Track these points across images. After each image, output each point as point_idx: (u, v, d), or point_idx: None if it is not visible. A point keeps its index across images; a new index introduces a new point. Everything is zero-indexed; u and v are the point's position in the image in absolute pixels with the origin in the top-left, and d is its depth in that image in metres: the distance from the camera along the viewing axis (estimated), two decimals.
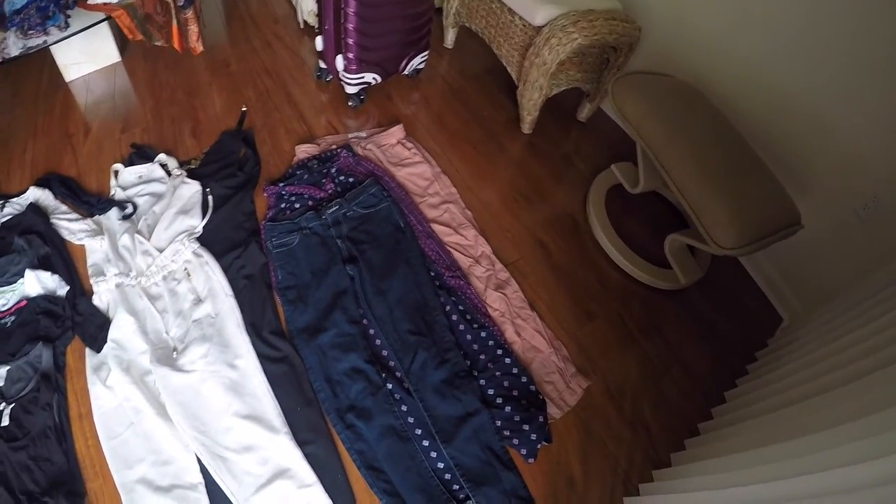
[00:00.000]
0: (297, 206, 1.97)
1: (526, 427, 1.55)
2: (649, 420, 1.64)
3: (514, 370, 1.66)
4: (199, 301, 1.78)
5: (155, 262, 1.83)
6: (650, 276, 1.86)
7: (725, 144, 1.63)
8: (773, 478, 0.98)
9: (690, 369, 1.73)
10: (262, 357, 1.69)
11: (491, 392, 1.63)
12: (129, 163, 2.12)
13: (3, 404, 1.64)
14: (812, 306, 1.76)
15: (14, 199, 2.05)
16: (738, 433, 1.35)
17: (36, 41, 2.25)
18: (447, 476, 1.52)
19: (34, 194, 2.05)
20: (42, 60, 2.51)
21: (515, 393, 1.62)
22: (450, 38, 2.61)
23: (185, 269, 1.84)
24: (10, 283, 1.82)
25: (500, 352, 1.69)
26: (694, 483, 1.25)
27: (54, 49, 2.39)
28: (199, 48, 2.39)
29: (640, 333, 1.80)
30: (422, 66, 2.34)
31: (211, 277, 1.80)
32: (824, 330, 1.43)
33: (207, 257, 1.84)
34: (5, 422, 1.62)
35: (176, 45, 2.38)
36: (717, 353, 1.76)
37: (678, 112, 1.69)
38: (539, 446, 1.54)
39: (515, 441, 1.54)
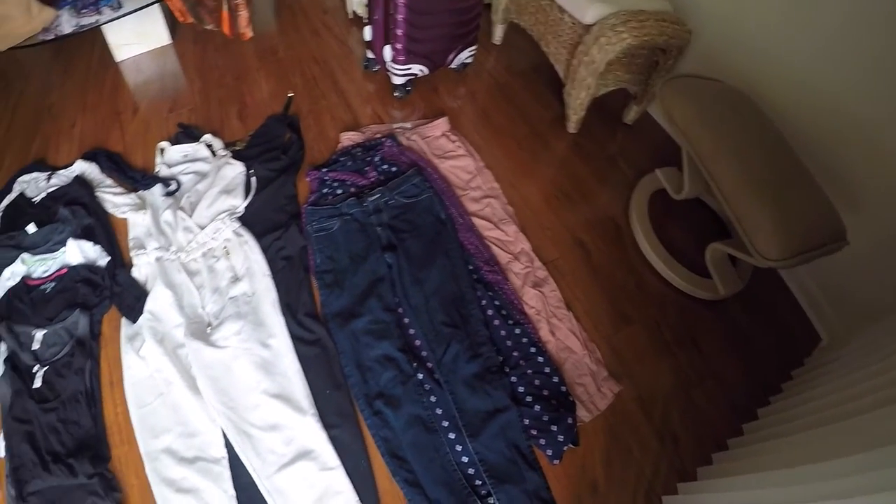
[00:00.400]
0: (339, 191, 1.98)
1: (554, 428, 1.52)
2: (678, 431, 1.59)
3: (547, 369, 1.63)
4: (236, 279, 1.79)
5: (195, 239, 1.85)
6: (689, 285, 1.82)
7: (773, 153, 1.59)
8: (802, 500, 0.95)
9: (723, 383, 1.68)
10: (295, 338, 1.69)
11: (521, 390, 1.60)
12: (175, 141, 2.15)
13: (38, 366, 1.67)
14: (853, 327, 1.68)
15: (61, 171, 2.10)
16: (768, 451, 1.30)
17: (88, 20, 2.31)
18: (470, 471, 1.50)
19: (81, 167, 2.10)
20: (94, 40, 2.58)
21: (546, 392, 1.59)
22: (498, 34, 2.60)
23: (225, 247, 1.85)
24: (52, 252, 1.86)
25: (533, 350, 1.66)
26: (719, 499, 1.21)
27: (106, 29, 2.46)
28: (249, 34, 2.43)
29: (676, 342, 1.76)
30: (469, 60, 2.33)
31: (250, 257, 1.82)
32: (865, 352, 1.38)
33: (248, 237, 1.86)
34: (38, 383, 1.65)
35: (226, 29, 2.41)
36: (751, 368, 1.71)
37: (726, 117, 1.65)
38: (565, 448, 1.51)
39: (542, 441, 1.52)
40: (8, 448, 1.57)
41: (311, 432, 1.55)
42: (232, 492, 1.50)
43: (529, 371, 1.63)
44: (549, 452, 1.51)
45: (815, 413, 1.27)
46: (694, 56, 1.96)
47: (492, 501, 1.46)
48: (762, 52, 1.78)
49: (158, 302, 1.75)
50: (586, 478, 1.52)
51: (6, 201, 2.02)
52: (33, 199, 2.01)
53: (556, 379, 1.61)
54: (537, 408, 1.56)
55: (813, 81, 1.67)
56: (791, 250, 1.44)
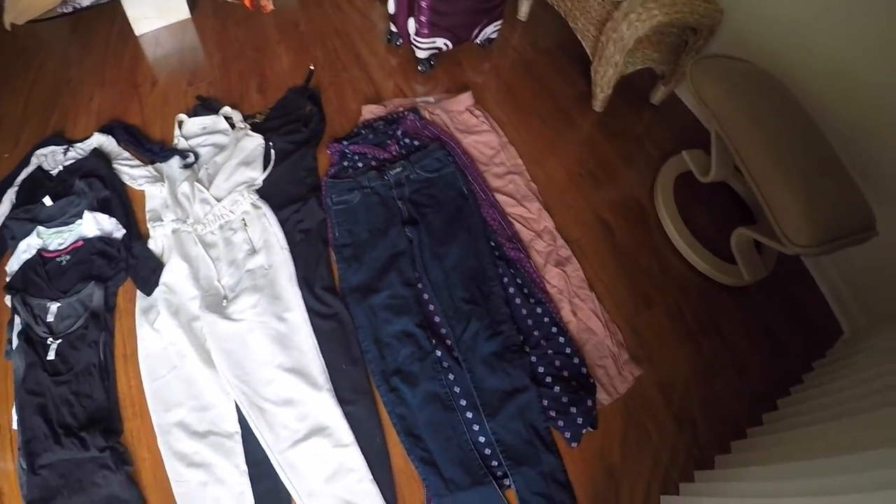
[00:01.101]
0: (360, 165, 1.94)
1: (573, 410, 1.49)
2: (697, 418, 1.56)
3: (568, 350, 1.59)
4: (253, 251, 1.76)
5: (213, 211, 1.82)
6: (713, 270, 1.78)
7: (804, 138, 1.54)
8: (819, 492, 0.92)
9: (744, 371, 1.64)
10: (311, 312, 1.66)
11: (541, 370, 1.56)
12: (193, 114, 2.13)
13: (51, 339, 1.65)
14: (877, 321, 1.65)
15: (78, 144, 2.08)
16: (787, 442, 1.27)
17: None
18: (487, 451, 1.47)
19: (98, 140, 2.08)
20: (113, 14, 2.55)
21: (566, 374, 1.56)
22: (524, 9, 2.54)
23: (243, 219, 1.82)
24: (68, 224, 1.84)
25: (554, 329, 1.62)
26: (736, 489, 1.18)
27: (125, 2, 2.44)
28: (270, 6, 2.40)
29: (698, 327, 1.72)
30: (494, 35, 2.27)
31: (267, 229, 1.78)
32: (889, 346, 1.34)
33: (265, 209, 1.83)
34: (51, 356, 1.63)
35: (246, 2, 2.39)
36: (773, 357, 1.67)
37: (757, 100, 1.60)
38: (584, 431, 1.48)
39: (560, 423, 1.48)
40: (20, 420, 1.55)
41: (326, 408, 1.52)
42: (244, 467, 1.48)
43: (550, 351, 1.59)
44: (567, 435, 1.48)
45: (835, 406, 1.24)
46: (724, 36, 1.91)
47: (507, 482, 1.43)
48: (795, 35, 1.72)
49: (174, 274, 1.73)
50: (603, 462, 1.49)
51: (24, 174, 2.01)
52: (50, 172, 1.99)
53: (576, 360, 1.58)
54: (557, 389, 1.52)
55: (848, 68, 1.60)
56: (820, 237, 1.40)
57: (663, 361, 1.65)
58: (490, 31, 2.21)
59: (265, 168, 1.93)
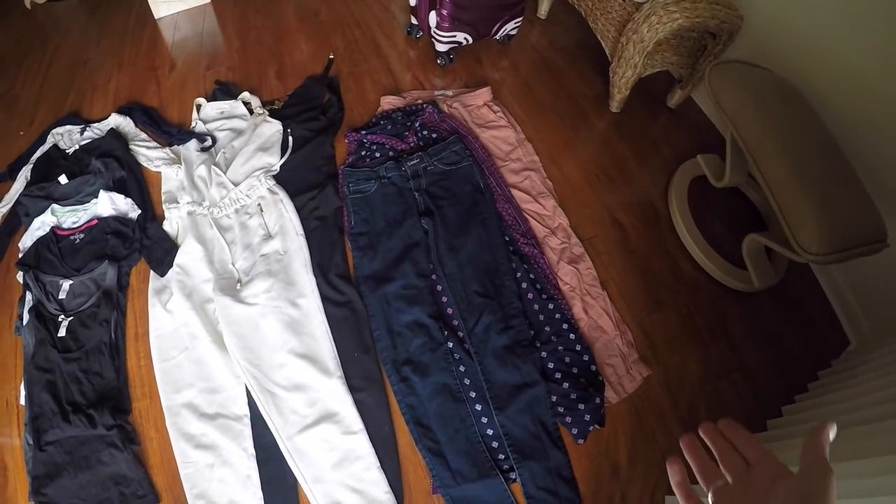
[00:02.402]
0: (378, 155, 1.94)
1: (581, 406, 1.49)
2: (703, 420, 1.53)
3: (578, 347, 1.59)
4: (268, 237, 1.76)
5: (229, 195, 1.82)
6: (724, 274, 1.78)
7: (820, 148, 1.53)
8: None
9: (751, 376, 1.64)
10: (325, 299, 1.66)
11: (551, 366, 1.56)
12: (212, 98, 2.13)
13: (62, 316, 1.65)
14: (884, 333, 1.64)
15: (95, 124, 2.09)
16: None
17: None
18: (494, 444, 1.48)
19: (115, 121, 2.08)
20: None
21: (575, 370, 1.56)
22: (544, 7, 2.54)
23: (258, 204, 1.82)
24: (84, 203, 1.85)
25: (565, 326, 1.62)
26: None
27: None
28: None
29: (707, 331, 1.72)
30: (514, 32, 2.27)
31: (283, 215, 1.78)
32: (891, 360, 1.35)
33: (282, 195, 1.83)
34: (62, 333, 1.64)
35: None
36: (779, 364, 1.67)
37: (775, 107, 1.60)
38: (591, 429, 1.49)
39: (568, 419, 1.48)
40: (28, 396, 1.56)
41: (336, 395, 1.52)
42: (252, 450, 1.49)
43: (560, 347, 1.59)
44: (575, 431, 1.48)
45: (840, 415, 1.24)
46: (743, 43, 1.90)
47: (513, 476, 1.44)
48: (814, 44, 1.71)
49: (189, 256, 1.73)
50: (609, 460, 1.49)
51: (39, 152, 2.02)
52: (66, 151, 2.00)
53: (586, 357, 1.58)
54: (566, 385, 1.52)
55: (866, 80, 1.60)
56: (832, 246, 1.39)
57: (671, 363, 1.65)
58: (510, 27, 2.21)
59: (283, 154, 1.93)
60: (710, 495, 0.54)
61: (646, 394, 1.59)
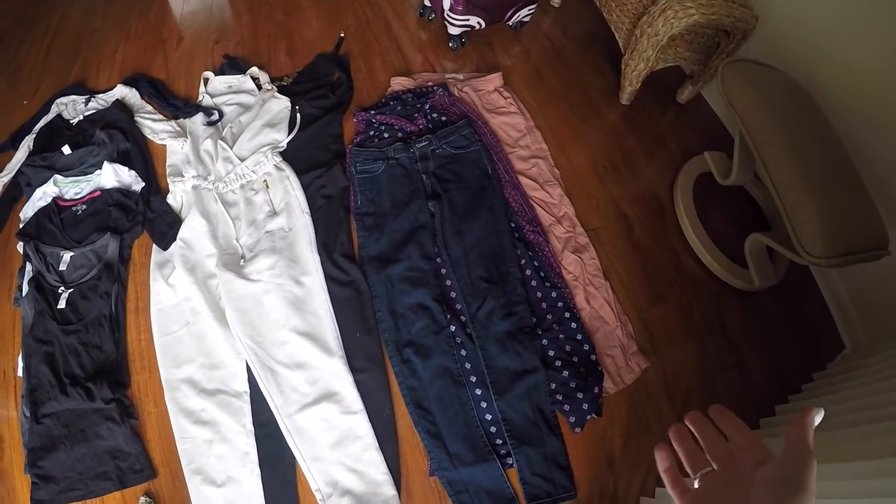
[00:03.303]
0: (386, 135, 1.92)
1: (580, 395, 1.50)
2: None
3: (579, 336, 1.59)
4: (273, 213, 1.75)
5: (235, 170, 1.81)
6: (726, 272, 1.78)
7: (827, 150, 1.54)
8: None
9: (746, 374, 1.66)
10: (329, 278, 1.65)
11: (551, 353, 1.57)
12: (220, 72, 2.11)
13: (62, 288, 1.64)
14: (879, 339, 1.66)
15: (100, 95, 2.06)
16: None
17: None
18: (492, 429, 1.49)
19: (121, 92, 2.06)
20: None
21: (575, 359, 1.56)
22: None
23: (265, 180, 1.80)
24: (87, 174, 1.83)
25: (567, 315, 1.62)
26: None
27: None
28: None
29: (706, 327, 1.73)
30: (527, 19, 2.25)
31: (289, 192, 1.77)
32: (886, 366, 1.37)
33: (289, 172, 1.81)
34: (62, 305, 1.62)
35: None
36: (775, 363, 1.68)
37: (785, 108, 1.60)
38: (588, 417, 1.50)
39: (566, 407, 1.50)
40: (26, 368, 1.55)
41: (337, 374, 1.52)
42: (251, 427, 1.49)
43: (561, 336, 1.60)
44: (572, 420, 1.49)
45: (832, 417, 1.26)
46: (756, 42, 1.89)
47: (510, 461, 1.45)
48: (827, 49, 1.70)
49: (192, 230, 1.72)
50: (604, 450, 1.51)
51: (42, 122, 1.99)
52: (70, 121, 1.98)
53: (586, 347, 1.59)
54: (565, 373, 1.53)
55: (878, 87, 1.59)
56: (835, 250, 1.40)
57: (669, 357, 1.66)
58: (524, 14, 2.19)
59: (290, 131, 1.91)
60: (695, 481, 0.55)
61: (643, 386, 1.60)
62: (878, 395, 1.22)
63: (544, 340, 1.58)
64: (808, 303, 1.84)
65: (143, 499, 1.42)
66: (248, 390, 1.52)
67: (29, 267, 1.68)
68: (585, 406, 1.49)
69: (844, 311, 1.80)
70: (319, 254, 1.68)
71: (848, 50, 1.65)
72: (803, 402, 1.50)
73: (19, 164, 1.87)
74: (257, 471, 1.44)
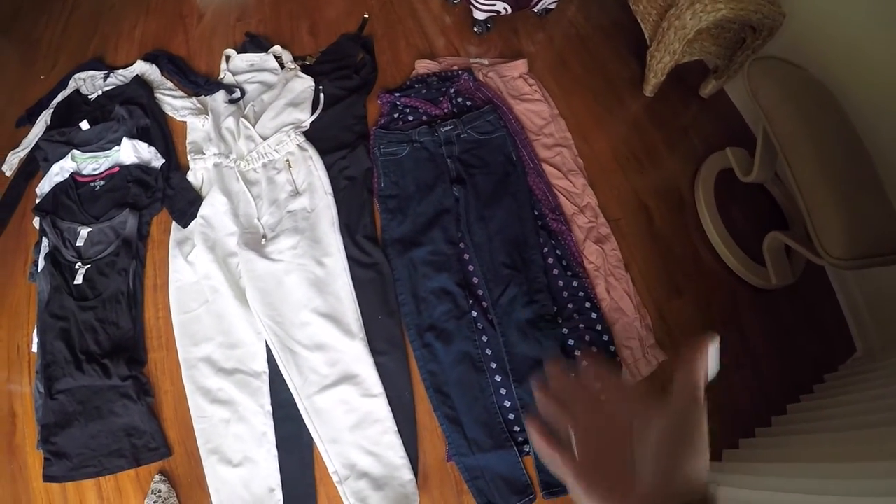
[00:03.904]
0: (411, 118, 1.91)
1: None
2: (711, 411, 1.50)
3: (598, 326, 1.59)
4: (296, 193, 1.73)
5: (257, 149, 1.79)
6: (744, 269, 1.78)
7: (850, 153, 1.53)
8: (820, 492, 1.00)
9: (760, 372, 1.65)
10: (351, 260, 1.64)
11: (571, 343, 1.56)
12: (241, 50, 2.08)
13: (80, 264, 1.63)
14: (890, 344, 1.65)
15: (119, 71, 2.04)
16: (792, 445, 1.32)
17: None
18: (511, 416, 1.48)
19: (141, 68, 2.04)
20: None
21: (594, 349, 1.55)
22: None
23: (287, 160, 1.79)
24: (105, 150, 1.81)
25: (588, 305, 1.61)
26: (741, 481, 1.21)
27: None
28: None
29: (722, 323, 1.73)
30: (553, 6, 2.22)
31: (312, 172, 1.75)
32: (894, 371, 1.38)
33: (312, 152, 1.79)
34: (79, 280, 1.61)
35: None
36: (788, 362, 1.68)
37: (810, 109, 1.59)
38: None
39: None
40: (41, 344, 1.54)
41: (358, 357, 1.51)
42: (269, 408, 1.48)
43: (581, 325, 1.59)
44: None
45: (841, 418, 1.29)
46: (782, 40, 1.87)
47: (527, 449, 1.44)
48: (853, 50, 1.68)
49: (213, 208, 1.70)
50: None
51: (60, 97, 1.98)
52: (89, 97, 1.96)
53: (605, 337, 1.58)
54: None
55: None
56: (855, 252, 1.39)
57: None
58: (550, 0, 2.17)
59: (313, 111, 1.89)
60: (572, 436, 0.46)
61: (659, 378, 1.59)
62: (888, 398, 1.23)
63: (564, 330, 1.57)
64: (823, 304, 1.83)
65: (157, 477, 1.41)
66: (266, 370, 1.51)
67: (45, 242, 1.66)
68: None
69: (858, 315, 1.79)
70: (342, 235, 1.67)
71: (875, 53, 1.63)
72: (814, 403, 1.51)
73: (36, 139, 1.86)
74: (274, 451, 1.43)
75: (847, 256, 1.40)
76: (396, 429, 1.44)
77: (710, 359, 0.43)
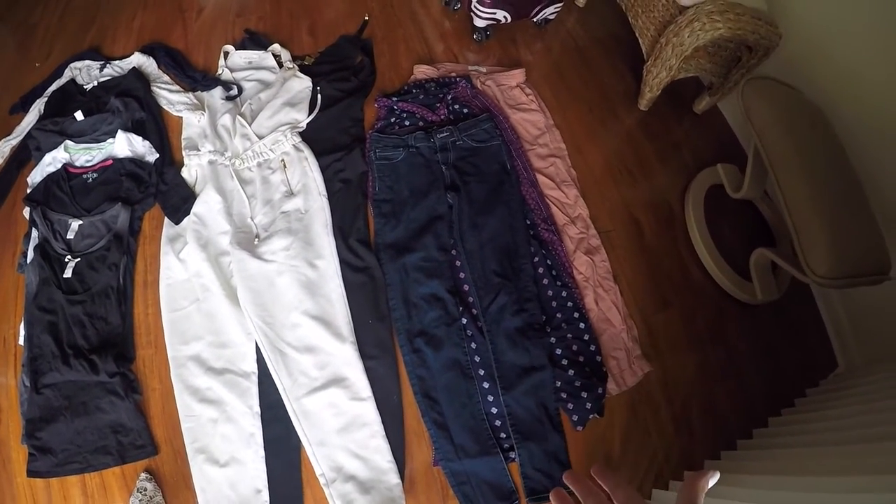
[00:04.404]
0: (408, 123, 1.91)
1: (584, 395, 1.52)
2: (694, 422, 1.62)
3: (586, 336, 1.61)
4: (290, 194, 1.73)
5: (252, 148, 1.79)
6: (730, 284, 1.82)
7: (839, 175, 1.58)
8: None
9: (744, 385, 1.70)
10: (343, 263, 1.65)
11: (558, 352, 1.59)
12: (240, 47, 2.07)
13: (69, 257, 1.61)
14: (871, 361, 1.71)
15: (116, 62, 2.02)
16: (773, 458, 1.36)
17: None
18: (497, 423, 1.51)
19: (138, 60, 2.02)
20: None
21: (581, 359, 1.59)
22: None
23: (282, 160, 1.79)
24: (99, 141, 1.80)
25: (576, 315, 1.64)
26: (721, 492, 1.23)
27: None
28: None
29: (707, 336, 1.76)
30: (553, 16, 2.24)
31: (307, 173, 1.75)
32: (875, 388, 1.42)
33: (307, 153, 1.79)
34: (68, 274, 1.60)
35: None
36: (771, 377, 1.72)
37: (802, 129, 1.63)
38: (590, 417, 1.52)
39: (570, 406, 1.52)
40: (28, 337, 1.52)
41: (348, 360, 1.52)
42: (257, 408, 1.48)
43: (569, 335, 1.62)
44: (575, 418, 1.52)
45: (822, 432, 1.33)
46: (777, 60, 1.90)
47: (513, 456, 1.47)
48: (849, 73, 1.72)
49: (207, 206, 1.70)
50: (603, 448, 1.54)
51: (55, 86, 1.95)
52: (84, 87, 1.94)
53: (593, 347, 1.61)
54: (571, 372, 1.55)
55: (891, 114, 1.62)
56: (840, 271, 1.44)
57: (671, 363, 1.69)
58: (549, 11, 2.18)
59: (310, 112, 1.89)
60: None
61: (644, 390, 1.64)
62: (867, 415, 1.27)
63: (552, 339, 1.60)
64: (807, 320, 1.88)
65: (143, 475, 1.41)
66: (256, 371, 1.51)
67: (35, 233, 1.64)
68: (588, 405, 1.51)
69: (841, 332, 1.84)
70: (335, 237, 1.67)
71: (869, 75, 1.67)
72: (795, 416, 1.54)
73: (29, 128, 1.83)
74: (262, 452, 1.43)
75: (832, 275, 1.44)
76: (384, 433, 1.45)
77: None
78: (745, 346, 1.76)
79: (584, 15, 2.43)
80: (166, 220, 1.69)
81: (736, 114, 2.17)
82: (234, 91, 1.92)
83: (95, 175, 1.75)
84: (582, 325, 1.62)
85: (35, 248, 1.61)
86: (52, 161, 1.75)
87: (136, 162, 1.76)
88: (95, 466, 1.41)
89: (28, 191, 1.72)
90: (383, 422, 1.46)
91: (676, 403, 1.63)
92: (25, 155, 1.82)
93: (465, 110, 1.95)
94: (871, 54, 1.65)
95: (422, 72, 2.08)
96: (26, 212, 1.68)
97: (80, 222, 1.65)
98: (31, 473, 1.39)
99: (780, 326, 1.82)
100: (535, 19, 2.22)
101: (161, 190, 1.73)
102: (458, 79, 2.00)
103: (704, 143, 2.15)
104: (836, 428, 1.28)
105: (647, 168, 2.05)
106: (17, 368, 1.52)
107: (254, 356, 1.53)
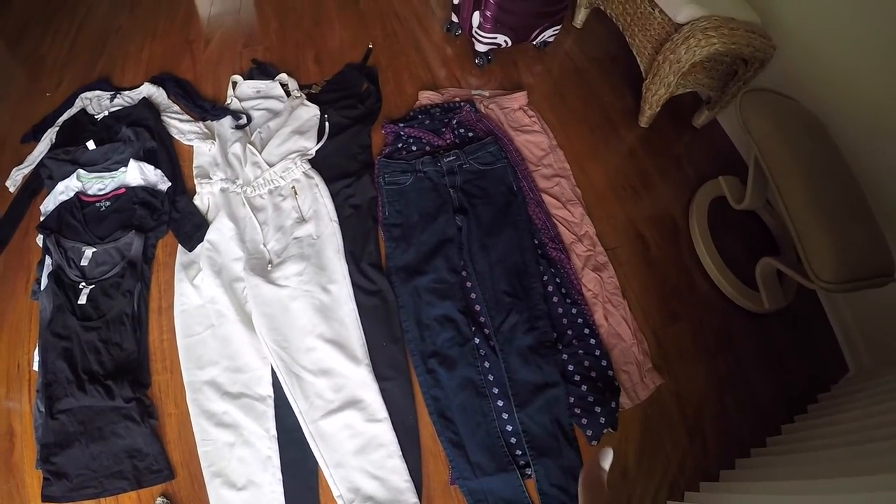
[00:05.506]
0: (415, 148, 1.95)
1: (597, 409, 1.53)
2: (708, 432, 1.62)
3: (597, 352, 1.63)
4: (302, 220, 1.76)
5: (263, 175, 1.82)
6: (737, 294, 1.83)
7: (839, 180, 1.60)
8: None
9: (755, 394, 1.70)
10: (356, 287, 1.67)
11: (570, 368, 1.60)
12: (248, 77, 2.12)
13: (83, 283, 1.64)
14: (881, 364, 1.71)
15: (126, 92, 2.07)
16: (788, 464, 1.35)
17: None
18: (513, 440, 1.51)
19: (148, 90, 2.07)
20: None
21: (594, 374, 1.60)
22: (580, 17, 2.55)
23: (293, 187, 1.82)
24: (111, 170, 1.83)
25: (587, 331, 1.66)
26: (738, 501, 1.24)
27: None
28: None
29: (717, 347, 1.77)
30: (552, 39, 2.30)
31: (318, 200, 1.78)
32: (887, 388, 1.42)
33: (318, 180, 1.83)
34: (82, 300, 1.62)
35: None
36: (782, 384, 1.73)
37: (800, 138, 1.65)
38: (605, 431, 1.53)
39: (584, 421, 1.52)
40: (42, 363, 1.54)
41: (363, 382, 1.54)
42: (274, 432, 1.49)
43: (581, 351, 1.63)
44: (589, 433, 1.52)
45: (837, 436, 1.32)
46: (773, 71, 1.94)
47: (529, 472, 1.47)
48: (843, 81, 1.76)
49: (220, 233, 1.73)
50: (618, 463, 1.54)
51: (66, 115, 1.99)
52: (95, 117, 1.98)
53: (604, 362, 1.62)
54: (584, 388, 1.56)
55: (887, 121, 1.66)
56: (844, 276, 1.45)
57: (682, 374, 1.70)
58: (549, 34, 2.23)
59: (319, 139, 1.93)
60: None
61: (657, 402, 1.64)
62: (883, 415, 1.26)
63: (564, 355, 1.61)
64: (815, 326, 1.88)
65: (160, 499, 1.41)
66: (272, 394, 1.53)
67: (48, 260, 1.67)
68: (602, 420, 1.52)
69: (849, 336, 1.85)
70: (347, 262, 1.70)
71: (863, 82, 1.71)
72: (808, 423, 1.54)
73: (41, 156, 1.86)
74: (279, 475, 1.44)
75: (836, 280, 1.45)
76: (401, 453, 1.46)
77: None
78: (754, 354, 1.77)
79: (581, 36, 2.49)
80: (179, 247, 1.72)
81: (735, 126, 2.21)
82: (244, 120, 1.96)
83: (108, 203, 1.77)
84: (593, 341, 1.64)
85: (49, 275, 1.63)
86: (65, 189, 1.78)
87: (149, 190, 1.79)
88: (111, 491, 1.42)
89: (41, 219, 1.74)
90: (399, 442, 1.47)
91: (689, 414, 1.64)
92: (38, 184, 1.85)
93: (471, 134, 1.98)
94: (864, 61, 1.69)
95: (426, 97, 2.13)
96: (39, 239, 1.70)
97: (94, 249, 1.68)
98: (46, 498, 1.40)
99: (789, 333, 1.83)
100: (534, 42, 2.27)
101: (174, 218, 1.76)
102: (462, 103, 2.05)
103: (705, 156, 2.19)
104: (851, 430, 1.28)
105: (649, 184, 2.08)
106: (32, 393, 1.54)
107: (269, 380, 1.54)
